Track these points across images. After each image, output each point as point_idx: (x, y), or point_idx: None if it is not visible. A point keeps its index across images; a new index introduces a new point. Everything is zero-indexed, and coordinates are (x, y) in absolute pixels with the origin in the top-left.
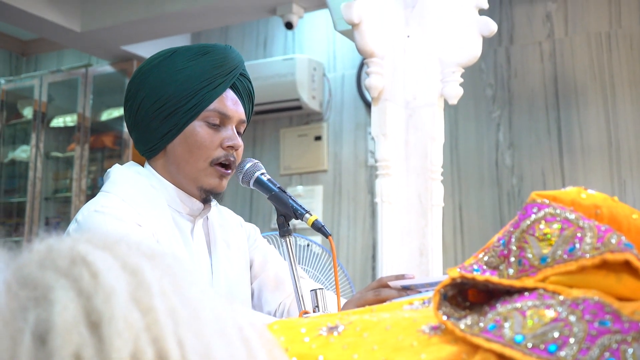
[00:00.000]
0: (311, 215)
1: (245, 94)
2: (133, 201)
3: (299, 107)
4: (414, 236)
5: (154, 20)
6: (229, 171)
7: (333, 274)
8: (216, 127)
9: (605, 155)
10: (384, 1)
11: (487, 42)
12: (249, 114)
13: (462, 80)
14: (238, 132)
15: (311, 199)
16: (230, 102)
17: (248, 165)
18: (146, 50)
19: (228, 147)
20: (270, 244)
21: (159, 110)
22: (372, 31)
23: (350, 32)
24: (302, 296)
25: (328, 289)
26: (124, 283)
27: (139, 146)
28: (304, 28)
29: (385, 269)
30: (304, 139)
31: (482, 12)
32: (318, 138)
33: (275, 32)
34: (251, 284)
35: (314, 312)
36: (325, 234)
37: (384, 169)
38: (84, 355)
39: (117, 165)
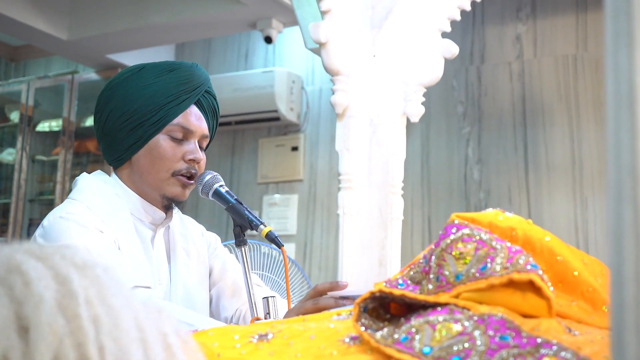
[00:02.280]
0: (265, 226)
1: (210, 111)
2: (97, 209)
3: (277, 118)
4: (374, 247)
5: (139, 30)
6: (191, 181)
7: (297, 281)
8: (179, 140)
9: (569, 173)
10: (351, 22)
11: (460, 60)
12: (213, 130)
13: (424, 99)
14: (201, 147)
15: (287, 207)
16: (193, 118)
17: (207, 178)
18: (131, 59)
19: (189, 160)
20: (231, 252)
21: (125, 122)
22: (339, 50)
23: (319, 49)
24: (255, 303)
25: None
26: (53, 292)
27: (106, 156)
28: (284, 42)
29: (346, 278)
30: (281, 149)
31: (456, 32)
32: (295, 149)
33: (256, 45)
34: (210, 291)
35: (265, 318)
36: (278, 245)
37: (346, 182)
38: (11, 357)
39: (84, 174)
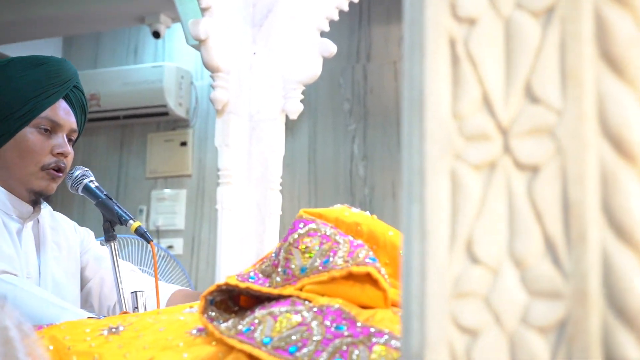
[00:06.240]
0: (135, 221)
1: (78, 106)
2: None
3: (166, 113)
4: (253, 242)
5: (25, 22)
6: (60, 174)
7: (177, 276)
8: (47, 133)
9: None
10: (232, 19)
11: (346, 59)
12: (82, 125)
13: (302, 97)
14: (70, 140)
15: (175, 202)
16: (62, 112)
17: (77, 173)
18: (17, 51)
19: (58, 153)
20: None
21: None
22: (219, 47)
23: (199, 46)
24: (124, 298)
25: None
26: None
27: None
28: (174, 37)
29: (224, 272)
30: (170, 144)
31: (342, 31)
32: (184, 144)
33: (145, 40)
34: (87, 284)
35: (133, 312)
36: (147, 240)
37: (225, 178)
38: None
39: None
